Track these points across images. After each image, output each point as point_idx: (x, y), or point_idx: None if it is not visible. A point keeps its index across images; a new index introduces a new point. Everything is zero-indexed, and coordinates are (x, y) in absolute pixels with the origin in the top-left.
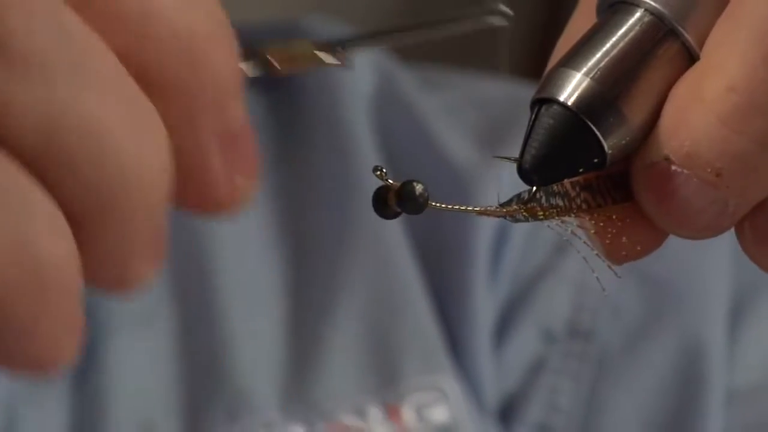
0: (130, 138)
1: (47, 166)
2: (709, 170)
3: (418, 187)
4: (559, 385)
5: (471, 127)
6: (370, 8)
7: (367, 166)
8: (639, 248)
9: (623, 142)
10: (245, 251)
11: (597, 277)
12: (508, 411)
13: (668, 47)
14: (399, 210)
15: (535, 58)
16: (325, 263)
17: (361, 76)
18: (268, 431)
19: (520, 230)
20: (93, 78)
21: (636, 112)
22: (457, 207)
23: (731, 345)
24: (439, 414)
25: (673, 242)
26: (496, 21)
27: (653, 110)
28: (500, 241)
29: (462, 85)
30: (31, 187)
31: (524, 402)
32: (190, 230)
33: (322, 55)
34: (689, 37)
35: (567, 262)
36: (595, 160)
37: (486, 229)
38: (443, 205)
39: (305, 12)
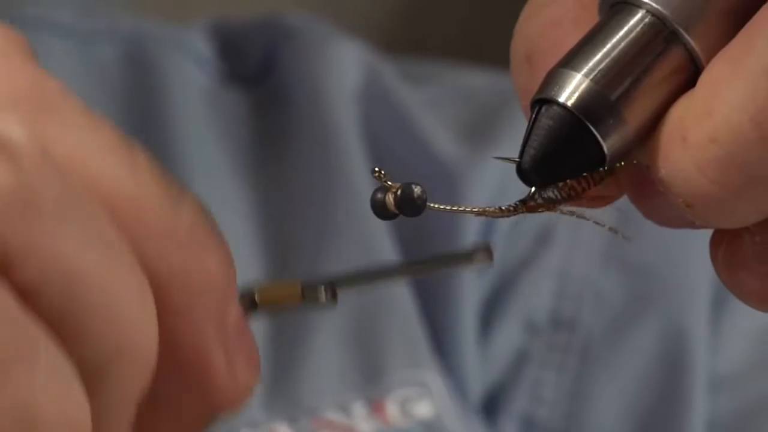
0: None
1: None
2: (680, 200)
3: (417, 190)
4: (542, 377)
5: (455, 120)
6: (370, 7)
7: (351, 160)
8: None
9: (623, 143)
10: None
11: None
12: (492, 404)
13: (670, 49)
14: (397, 212)
15: None
16: (307, 258)
17: (345, 71)
18: (253, 430)
19: (505, 222)
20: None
21: (636, 114)
22: (455, 208)
23: (714, 332)
24: (423, 409)
25: (655, 230)
26: (482, 261)
27: (654, 112)
28: (486, 233)
29: (445, 78)
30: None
31: (508, 394)
32: None
33: (309, 295)
34: (691, 40)
35: (549, 252)
36: (595, 161)
37: (472, 221)
38: (442, 207)
39: (299, 9)
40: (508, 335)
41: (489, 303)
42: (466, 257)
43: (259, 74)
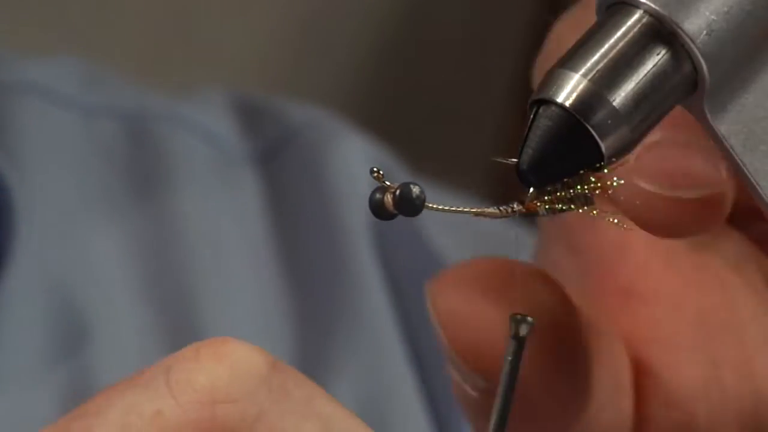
0: None
1: None
2: None
3: (416, 189)
4: None
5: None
6: (370, 7)
7: (357, 243)
8: None
9: (621, 143)
10: (239, 308)
11: None
12: None
13: (668, 49)
14: (396, 212)
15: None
16: (324, 336)
17: (354, 170)
18: None
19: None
20: None
21: (634, 114)
22: (453, 208)
23: None
24: None
25: None
26: None
27: (652, 112)
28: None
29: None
30: None
31: None
32: (183, 286)
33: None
34: (689, 40)
35: None
36: (593, 161)
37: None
38: (440, 207)
39: (300, 11)
40: None
41: None
42: None
43: (271, 152)
